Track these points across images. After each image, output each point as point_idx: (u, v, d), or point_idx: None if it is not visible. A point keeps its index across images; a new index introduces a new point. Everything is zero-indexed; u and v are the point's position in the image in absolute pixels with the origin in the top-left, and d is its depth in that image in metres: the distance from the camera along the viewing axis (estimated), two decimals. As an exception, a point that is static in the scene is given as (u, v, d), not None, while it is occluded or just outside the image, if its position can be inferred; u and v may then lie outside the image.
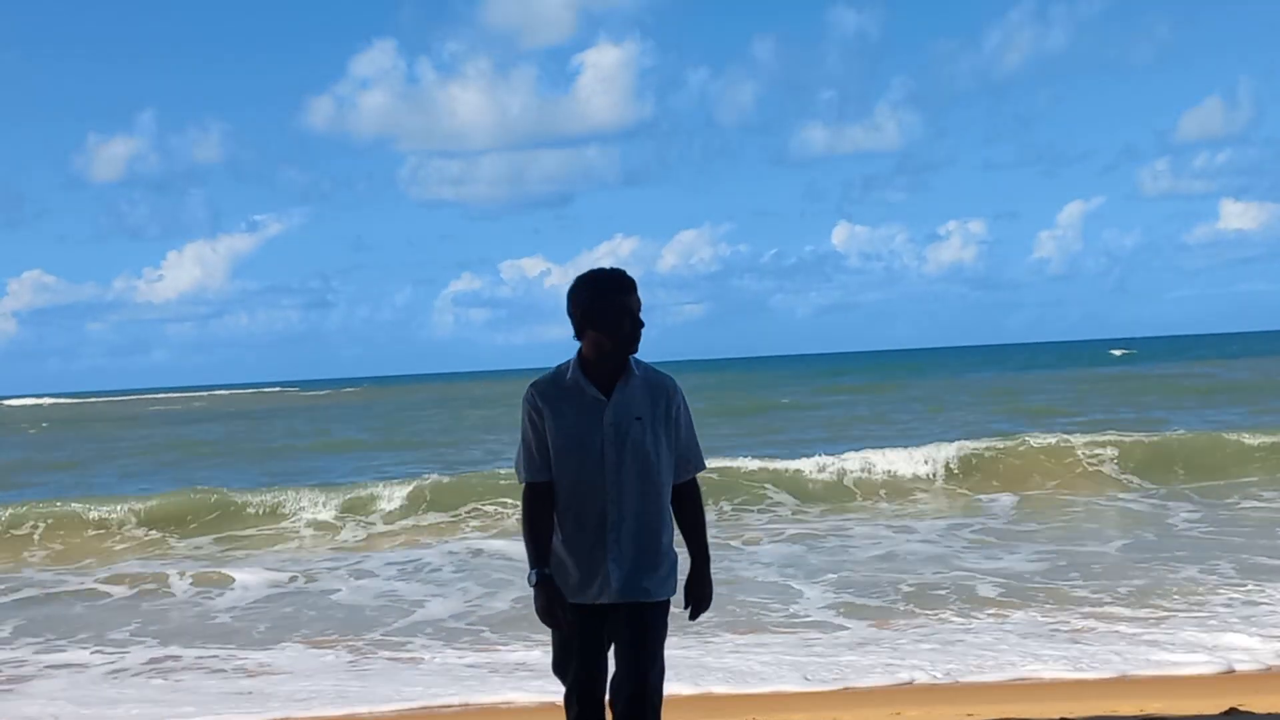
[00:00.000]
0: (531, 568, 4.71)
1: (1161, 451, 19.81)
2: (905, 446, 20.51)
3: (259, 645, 10.42)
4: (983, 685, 8.13)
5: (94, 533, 17.14)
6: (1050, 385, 49.04)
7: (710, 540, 4.96)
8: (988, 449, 20.07)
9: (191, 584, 13.30)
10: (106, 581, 13.70)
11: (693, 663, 8.82)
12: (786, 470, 19.06)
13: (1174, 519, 15.14)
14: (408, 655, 9.80)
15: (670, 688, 5.62)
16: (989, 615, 10.25)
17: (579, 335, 4.75)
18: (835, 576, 12.08)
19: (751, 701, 7.84)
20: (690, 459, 4.84)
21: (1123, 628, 9.59)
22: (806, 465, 19.27)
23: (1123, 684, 8.06)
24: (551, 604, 4.68)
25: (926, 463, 19.47)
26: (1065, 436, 20.62)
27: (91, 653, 10.29)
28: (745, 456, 19.66)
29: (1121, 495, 17.56)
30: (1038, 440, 20.34)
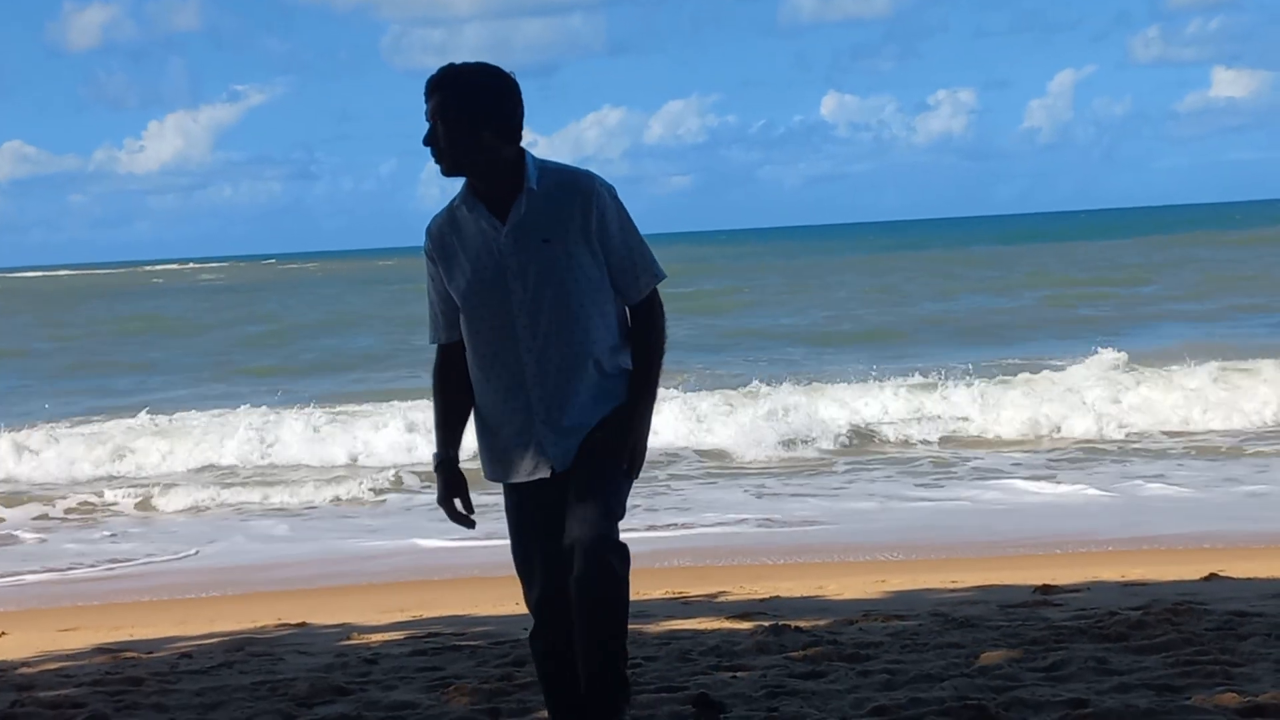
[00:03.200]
0: (435, 449, 4.04)
1: None
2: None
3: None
4: (965, 558, 8.26)
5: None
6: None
7: None
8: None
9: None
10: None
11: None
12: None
13: None
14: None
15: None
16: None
17: None
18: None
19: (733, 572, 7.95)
20: (633, 270, 3.92)
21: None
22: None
23: (1104, 553, 8.20)
24: (450, 494, 3.98)
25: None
26: None
27: None
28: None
29: None
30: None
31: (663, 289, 3.99)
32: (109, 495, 12.23)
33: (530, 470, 3.92)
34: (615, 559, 3.83)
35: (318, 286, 56.94)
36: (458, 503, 3.98)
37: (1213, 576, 6.79)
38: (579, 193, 3.87)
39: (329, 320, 35.34)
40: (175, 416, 16.51)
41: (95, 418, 17.06)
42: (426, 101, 3.89)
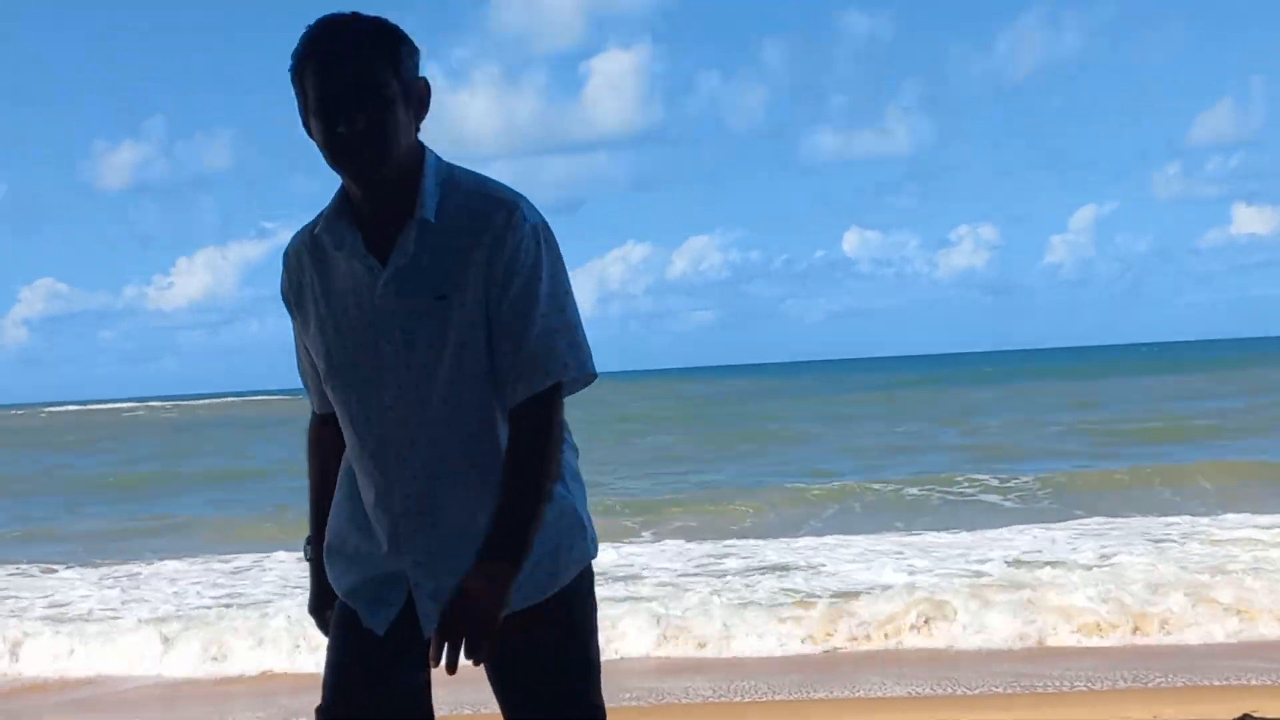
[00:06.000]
0: (308, 535, 3.04)
1: None
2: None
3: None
4: (994, 695, 8.04)
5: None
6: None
7: None
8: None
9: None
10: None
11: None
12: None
13: None
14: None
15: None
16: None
17: None
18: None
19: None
20: (534, 357, 2.67)
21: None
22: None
23: (1136, 692, 7.98)
24: (321, 595, 3.00)
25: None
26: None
27: None
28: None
29: None
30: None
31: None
32: None
33: (372, 617, 2.81)
34: None
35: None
36: (329, 614, 2.95)
37: (1245, 717, 6.59)
38: (492, 227, 2.67)
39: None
40: None
41: None
42: (307, 77, 2.64)
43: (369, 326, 2.71)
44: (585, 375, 2.73)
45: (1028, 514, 15.25)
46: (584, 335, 2.75)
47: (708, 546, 13.37)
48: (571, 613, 2.82)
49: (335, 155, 2.64)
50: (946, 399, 46.60)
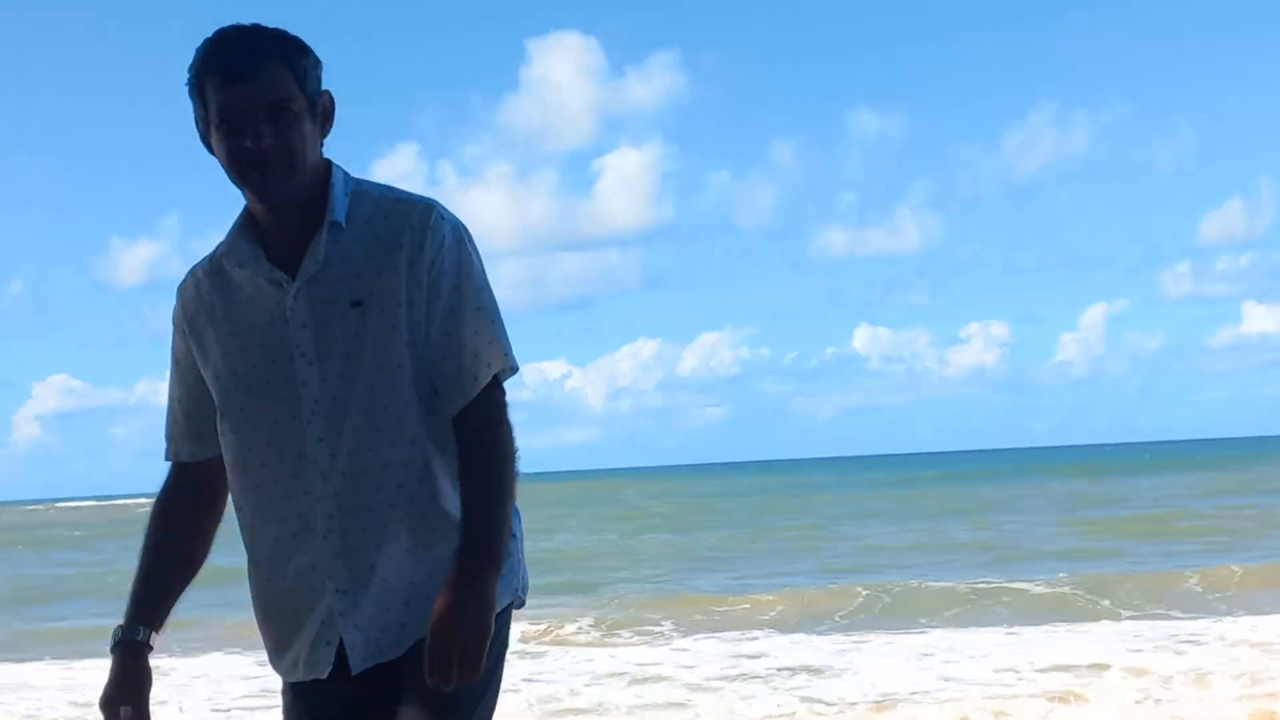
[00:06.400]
0: (122, 620, 2.69)
1: None
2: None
3: None
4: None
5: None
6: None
7: None
8: None
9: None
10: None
11: None
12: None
13: None
14: None
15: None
16: None
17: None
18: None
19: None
20: (465, 356, 2.58)
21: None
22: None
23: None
24: (119, 692, 2.63)
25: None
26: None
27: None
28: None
29: None
30: None
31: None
32: None
33: (312, 664, 2.63)
34: None
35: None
36: (125, 711, 2.62)
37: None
38: (409, 228, 2.57)
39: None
40: None
41: None
42: (208, 89, 2.51)
43: (280, 342, 2.59)
44: (513, 366, 2.64)
45: (1060, 613, 14.96)
46: (500, 330, 2.65)
47: (732, 646, 13.11)
48: (491, 647, 2.58)
49: (241, 171, 2.54)
50: (961, 495, 46.27)
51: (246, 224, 2.63)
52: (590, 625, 14.54)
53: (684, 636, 14.10)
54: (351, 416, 2.56)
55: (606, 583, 19.93)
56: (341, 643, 2.60)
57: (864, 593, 17.06)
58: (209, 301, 2.67)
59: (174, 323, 2.74)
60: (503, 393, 2.63)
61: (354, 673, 2.60)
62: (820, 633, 14.11)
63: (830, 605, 16.41)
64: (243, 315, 2.62)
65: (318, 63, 2.59)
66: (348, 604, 2.59)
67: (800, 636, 13.78)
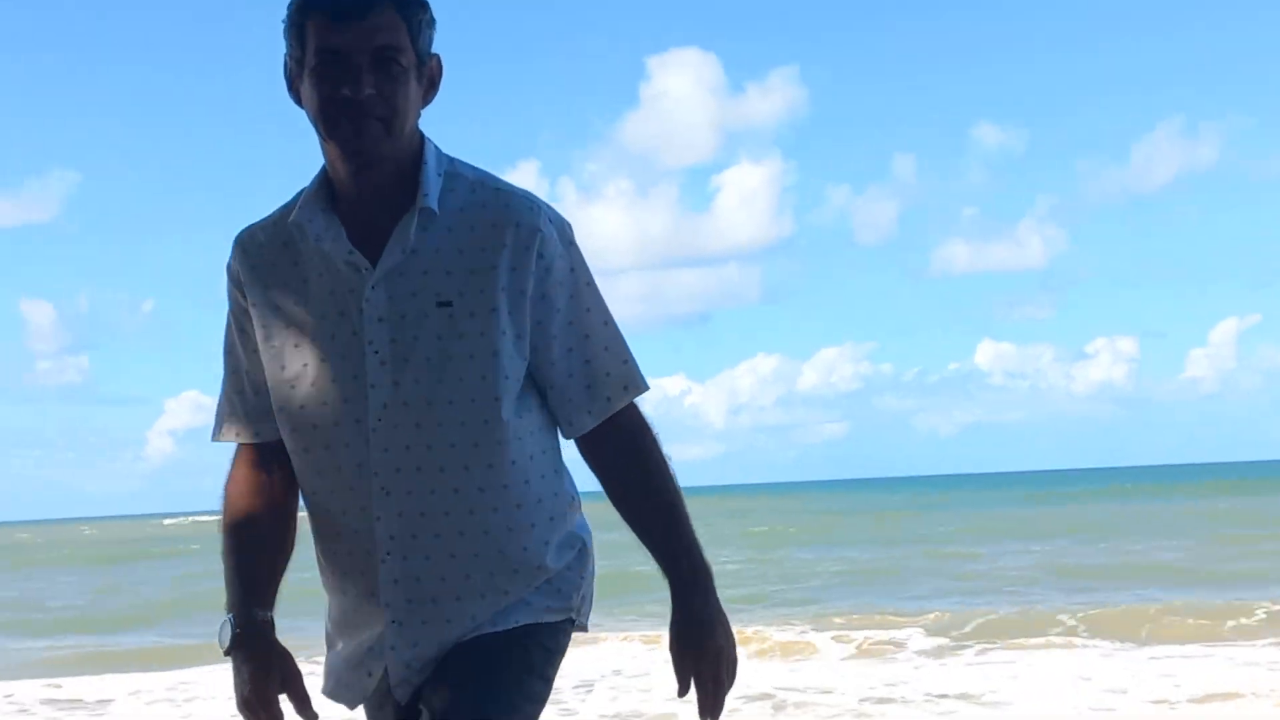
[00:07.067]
0: (228, 609, 2.39)
1: None
2: None
3: None
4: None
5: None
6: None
7: None
8: None
9: None
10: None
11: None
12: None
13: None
14: None
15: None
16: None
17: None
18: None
19: None
20: (596, 381, 2.35)
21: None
22: None
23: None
24: (260, 682, 2.35)
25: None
26: None
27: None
28: None
29: None
30: None
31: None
32: None
33: (346, 686, 2.42)
34: None
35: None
36: (271, 692, 2.34)
37: None
38: (510, 226, 2.28)
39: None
40: None
41: None
42: (310, 29, 2.24)
43: (352, 336, 2.28)
44: (645, 386, 2.43)
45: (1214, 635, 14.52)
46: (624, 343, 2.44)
47: (882, 668, 12.93)
48: (543, 643, 2.39)
49: (332, 121, 2.23)
50: (1094, 513, 45.35)
51: (321, 192, 2.32)
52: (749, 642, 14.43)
53: (834, 658, 13.95)
54: (424, 430, 2.26)
55: (759, 599, 19.87)
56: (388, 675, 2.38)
57: (1065, 619, 16.50)
58: (271, 273, 2.36)
59: (230, 282, 2.41)
60: (638, 408, 2.42)
61: (400, 704, 2.35)
62: (965, 655, 13.87)
63: (971, 626, 16.14)
64: (311, 298, 2.32)
65: (433, 20, 2.29)
66: (398, 637, 2.32)
67: (943, 659, 13.55)
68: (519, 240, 2.27)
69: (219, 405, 2.48)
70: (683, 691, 2.38)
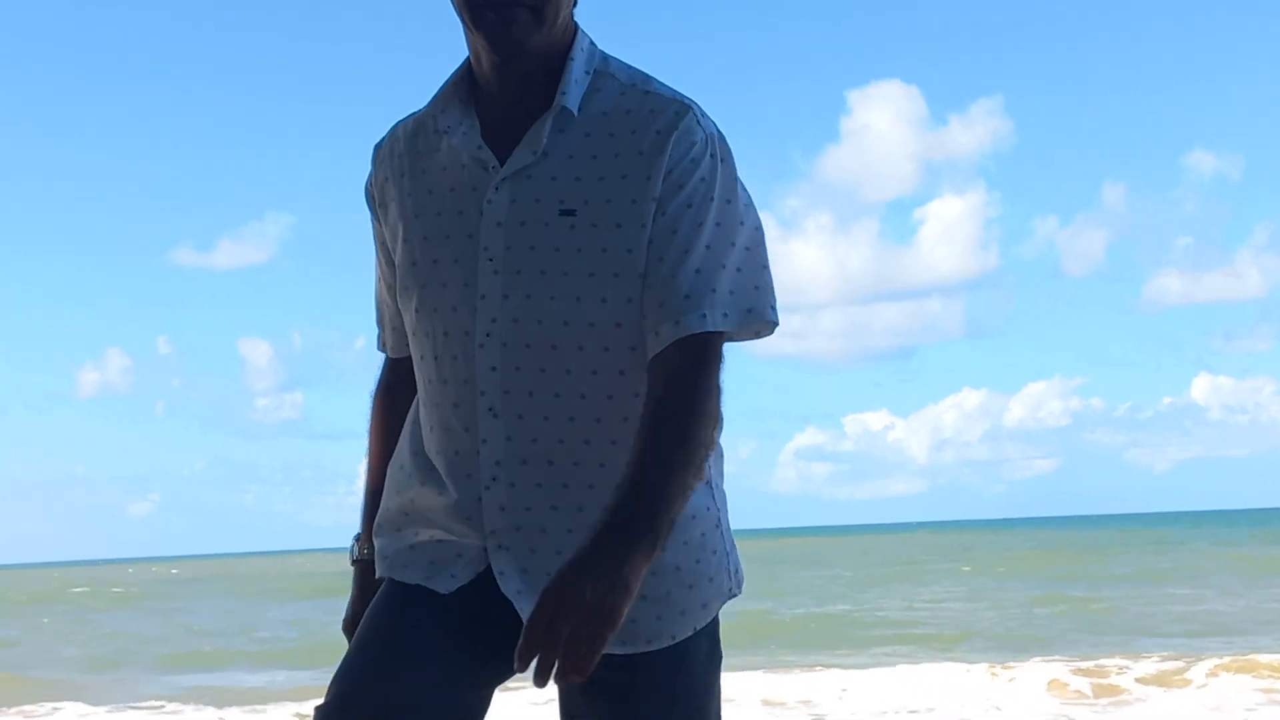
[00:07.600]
0: (360, 529, 2.35)
1: None
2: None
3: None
4: None
5: None
6: None
7: None
8: None
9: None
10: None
11: None
12: None
13: None
14: None
15: None
16: None
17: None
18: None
19: None
20: (673, 299, 2.00)
21: None
22: None
23: None
24: (359, 612, 2.25)
25: None
26: None
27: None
28: None
29: None
30: None
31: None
32: None
33: (451, 582, 2.10)
34: None
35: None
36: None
37: None
38: (654, 132, 2.03)
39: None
40: None
41: None
42: None
43: (468, 239, 2.06)
44: (761, 322, 2.04)
45: None
46: (765, 278, 2.06)
47: (1106, 713, 12.22)
48: (692, 668, 2.10)
49: (478, 11, 2.00)
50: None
51: (462, 84, 2.12)
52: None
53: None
54: (536, 351, 2.02)
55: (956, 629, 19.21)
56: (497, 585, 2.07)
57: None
58: (399, 166, 2.18)
59: (365, 192, 2.25)
60: (721, 351, 2.01)
61: (506, 595, 2.04)
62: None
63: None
64: (432, 191, 2.13)
65: None
66: (506, 563, 2.05)
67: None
68: (657, 145, 2.02)
69: (376, 313, 2.39)
70: (528, 651, 1.78)
